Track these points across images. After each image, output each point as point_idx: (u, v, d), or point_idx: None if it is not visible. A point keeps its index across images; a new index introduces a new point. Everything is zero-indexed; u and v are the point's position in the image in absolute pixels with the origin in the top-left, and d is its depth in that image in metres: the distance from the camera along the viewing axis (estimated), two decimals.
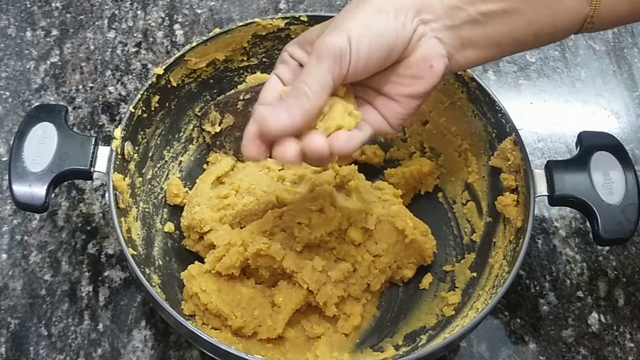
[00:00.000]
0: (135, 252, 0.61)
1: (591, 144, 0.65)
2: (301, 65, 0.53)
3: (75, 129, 0.75)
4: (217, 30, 0.69)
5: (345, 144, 0.50)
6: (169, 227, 0.70)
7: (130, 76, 0.83)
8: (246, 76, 0.74)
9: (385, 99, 0.54)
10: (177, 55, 0.68)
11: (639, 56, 0.88)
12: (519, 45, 0.54)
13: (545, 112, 0.84)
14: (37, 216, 0.73)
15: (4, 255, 0.71)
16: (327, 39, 0.49)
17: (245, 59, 0.73)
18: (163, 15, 0.88)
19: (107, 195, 0.61)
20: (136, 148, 0.67)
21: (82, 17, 0.88)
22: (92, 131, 0.79)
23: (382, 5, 0.50)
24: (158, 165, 0.71)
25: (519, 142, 0.64)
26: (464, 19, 0.51)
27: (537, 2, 0.51)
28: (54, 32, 0.86)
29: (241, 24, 0.70)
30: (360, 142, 0.52)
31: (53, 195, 0.67)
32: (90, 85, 0.82)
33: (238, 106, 0.73)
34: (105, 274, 0.71)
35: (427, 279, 0.69)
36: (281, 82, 0.53)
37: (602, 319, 0.70)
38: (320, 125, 0.50)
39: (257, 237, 0.64)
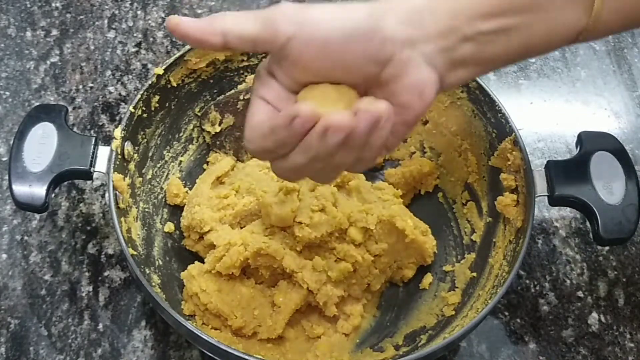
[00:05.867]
0: (135, 252, 0.61)
1: (591, 143, 0.65)
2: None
3: (75, 129, 0.75)
4: None
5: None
6: (169, 227, 0.70)
7: (130, 76, 0.83)
8: (246, 76, 0.74)
9: None
10: (177, 55, 0.68)
11: (639, 56, 0.88)
12: (511, 61, 0.52)
13: (545, 112, 0.84)
14: (37, 216, 0.73)
15: (4, 255, 0.71)
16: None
17: (245, 59, 0.73)
18: (163, 15, 0.88)
19: (107, 195, 0.61)
20: (136, 148, 0.67)
21: (82, 17, 0.88)
22: (92, 131, 0.79)
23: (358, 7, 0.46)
24: (158, 165, 0.71)
25: (519, 142, 0.64)
26: (459, 39, 0.47)
27: (535, 17, 0.49)
28: (54, 32, 0.86)
29: None
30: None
31: (53, 195, 0.67)
32: (90, 85, 0.82)
33: (238, 106, 0.73)
34: (105, 274, 0.70)
35: (427, 279, 0.69)
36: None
37: (602, 319, 0.70)
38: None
39: (257, 237, 0.64)
